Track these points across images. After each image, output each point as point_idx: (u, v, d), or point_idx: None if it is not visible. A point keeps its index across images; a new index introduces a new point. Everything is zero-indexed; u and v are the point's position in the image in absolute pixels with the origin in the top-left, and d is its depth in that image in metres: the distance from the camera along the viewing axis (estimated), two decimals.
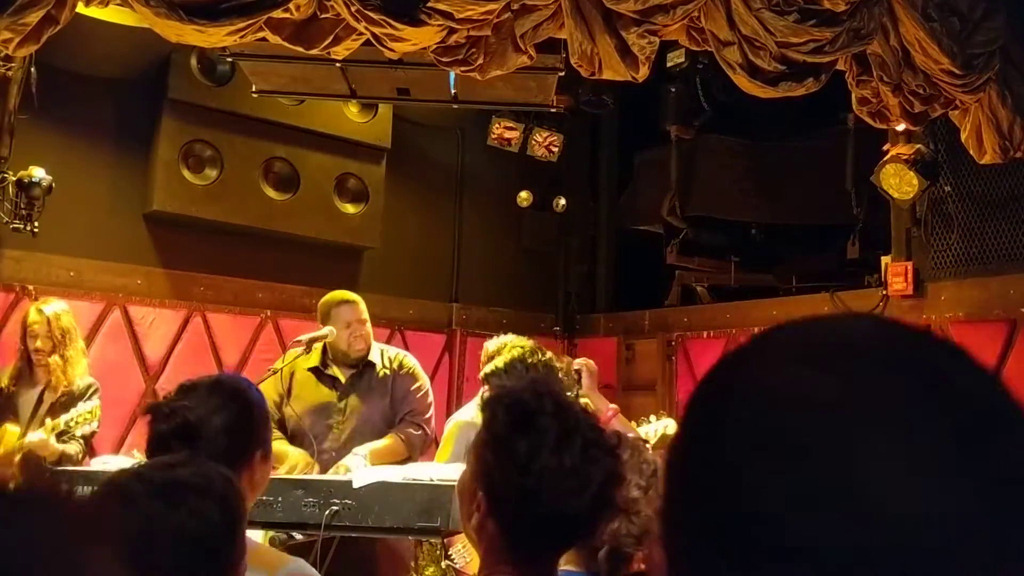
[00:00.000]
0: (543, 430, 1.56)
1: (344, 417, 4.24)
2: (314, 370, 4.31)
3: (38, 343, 4.43)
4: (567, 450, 1.54)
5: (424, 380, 4.45)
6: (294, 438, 4.20)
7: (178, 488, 1.43)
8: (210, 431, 1.91)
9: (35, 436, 4.17)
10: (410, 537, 3.86)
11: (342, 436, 4.19)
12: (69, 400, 4.38)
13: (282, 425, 4.21)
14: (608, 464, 1.57)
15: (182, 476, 1.46)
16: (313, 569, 1.97)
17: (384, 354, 4.41)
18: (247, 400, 2.03)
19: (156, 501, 1.40)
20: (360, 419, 4.24)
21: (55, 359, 4.42)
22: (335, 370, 4.33)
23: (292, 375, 4.30)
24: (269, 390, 4.21)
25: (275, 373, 4.24)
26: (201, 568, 1.41)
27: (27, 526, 0.63)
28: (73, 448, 4.25)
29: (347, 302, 4.35)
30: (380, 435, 4.19)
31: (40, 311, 4.53)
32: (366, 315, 4.34)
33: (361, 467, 3.81)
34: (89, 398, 4.38)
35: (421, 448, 4.28)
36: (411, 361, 4.45)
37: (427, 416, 4.32)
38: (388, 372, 4.33)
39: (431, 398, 4.42)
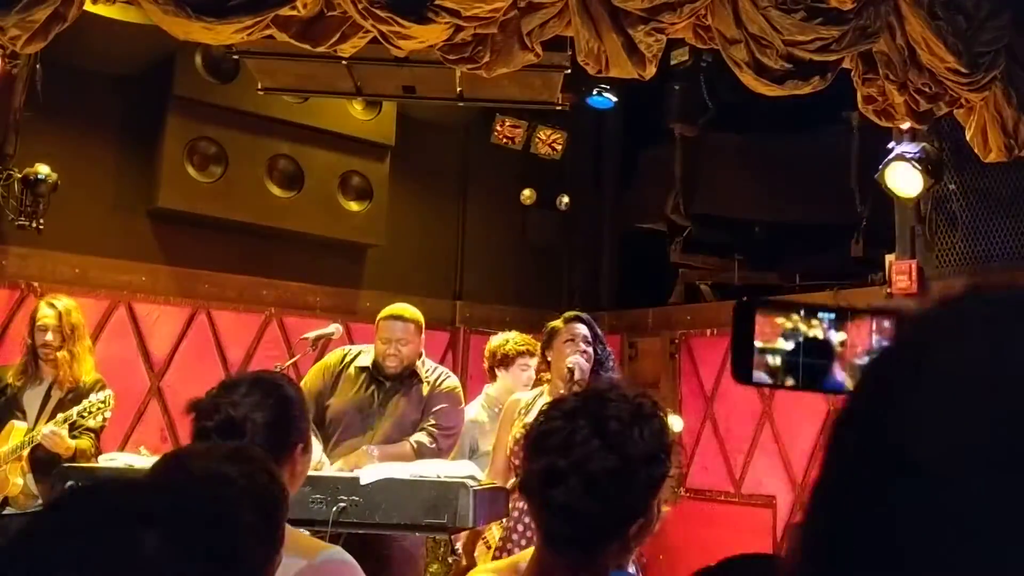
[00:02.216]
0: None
1: (379, 420, 4.28)
2: (365, 370, 4.35)
3: (48, 336, 4.43)
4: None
5: (459, 402, 4.47)
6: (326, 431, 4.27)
7: (223, 484, 1.45)
8: (252, 427, 1.95)
9: (46, 430, 4.16)
10: (416, 534, 3.85)
11: (375, 438, 4.21)
12: (77, 396, 4.38)
13: (319, 417, 4.25)
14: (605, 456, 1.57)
15: (228, 473, 1.48)
16: (351, 557, 1.98)
17: (431, 371, 4.44)
18: (286, 396, 2.07)
19: (200, 495, 1.43)
20: (393, 426, 4.27)
21: (63, 354, 4.42)
22: (386, 371, 4.36)
23: (342, 371, 4.35)
24: (314, 380, 4.32)
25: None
26: (235, 559, 1.44)
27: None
28: (86, 443, 4.25)
29: (390, 318, 4.34)
30: None
31: (51, 305, 4.53)
32: (407, 336, 4.29)
33: (370, 462, 3.82)
34: (98, 392, 4.37)
35: (430, 457, 4.28)
36: (452, 382, 4.46)
37: (445, 432, 4.32)
38: (428, 388, 4.35)
39: (458, 420, 4.42)
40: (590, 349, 4.02)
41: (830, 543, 0.49)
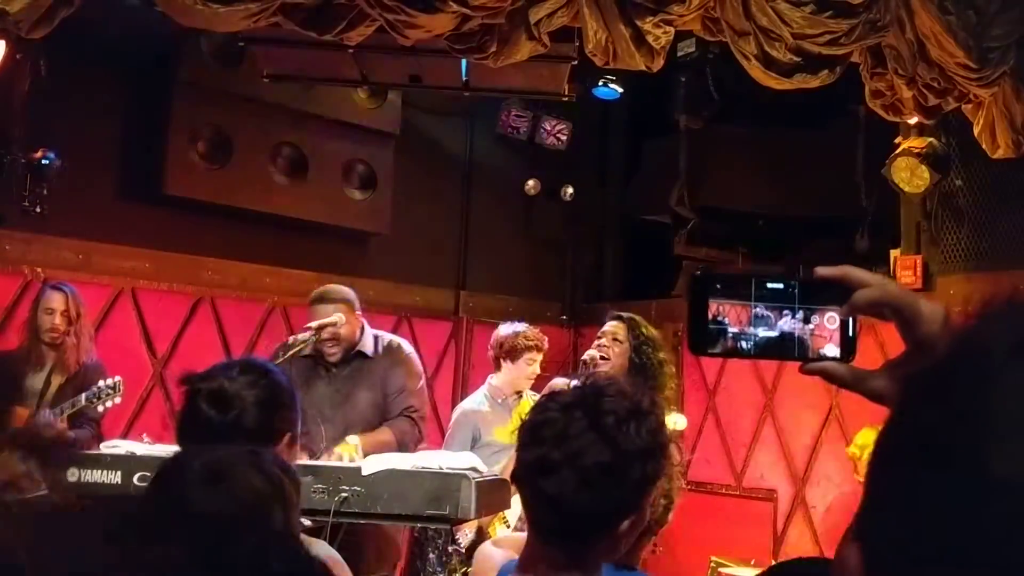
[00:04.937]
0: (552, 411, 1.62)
1: (337, 408, 4.17)
2: (309, 359, 4.20)
3: (55, 320, 4.43)
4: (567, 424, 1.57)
5: (420, 372, 4.36)
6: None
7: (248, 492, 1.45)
8: (242, 403, 1.95)
9: (45, 417, 4.17)
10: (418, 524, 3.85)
11: (336, 429, 4.09)
12: (79, 381, 4.38)
13: None
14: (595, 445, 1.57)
15: (256, 484, 1.47)
16: (335, 551, 1.98)
17: (378, 342, 4.28)
18: (276, 382, 2.08)
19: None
20: (352, 410, 4.16)
21: (70, 338, 4.43)
22: (328, 359, 4.22)
23: (291, 365, 4.18)
24: None
25: (296, 347, 4.08)
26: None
27: None
28: (85, 433, 4.26)
29: (316, 302, 4.18)
30: (371, 426, 4.12)
31: (58, 289, 4.53)
32: (334, 318, 4.09)
33: (359, 453, 3.79)
34: (106, 377, 4.38)
35: (412, 445, 4.15)
36: (406, 350, 4.31)
37: (423, 413, 4.25)
38: (381, 362, 4.22)
39: (424, 395, 4.36)
40: (616, 348, 3.99)
41: (910, 554, 0.49)
